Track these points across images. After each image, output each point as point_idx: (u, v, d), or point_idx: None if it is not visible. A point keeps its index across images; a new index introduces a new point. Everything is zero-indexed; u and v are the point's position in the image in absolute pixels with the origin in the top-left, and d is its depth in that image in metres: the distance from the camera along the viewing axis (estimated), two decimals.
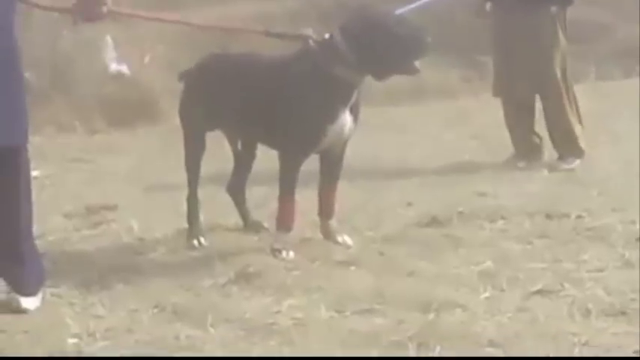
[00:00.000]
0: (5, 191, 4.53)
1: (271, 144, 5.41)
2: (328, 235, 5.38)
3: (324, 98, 5.10)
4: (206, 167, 5.62)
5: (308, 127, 5.13)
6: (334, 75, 5.07)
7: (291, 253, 5.11)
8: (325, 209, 5.42)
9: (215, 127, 5.56)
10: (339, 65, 5.07)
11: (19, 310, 4.49)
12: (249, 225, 5.69)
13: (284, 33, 5.51)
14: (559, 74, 7.12)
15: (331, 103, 5.11)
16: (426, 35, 5.14)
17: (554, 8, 7.08)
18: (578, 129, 7.19)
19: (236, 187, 5.74)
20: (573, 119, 7.18)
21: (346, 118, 5.16)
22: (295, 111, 5.15)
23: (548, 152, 7.31)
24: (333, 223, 5.42)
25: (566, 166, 7.03)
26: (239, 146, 5.72)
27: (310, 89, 5.14)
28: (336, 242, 5.32)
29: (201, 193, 5.61)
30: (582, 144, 7.16)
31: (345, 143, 5.34)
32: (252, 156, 5.72)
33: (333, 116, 5.09)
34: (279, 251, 5.12)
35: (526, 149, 7.22)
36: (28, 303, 4.56)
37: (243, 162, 5.72)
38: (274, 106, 5.22)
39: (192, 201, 5.53)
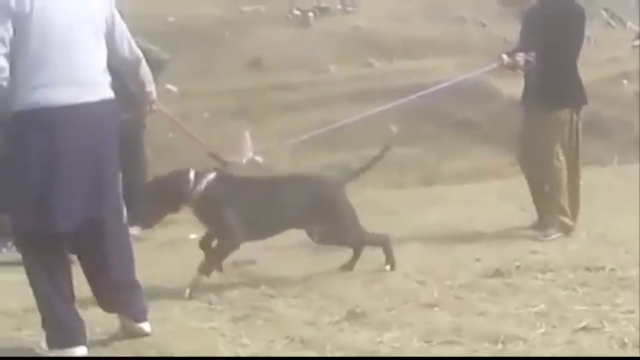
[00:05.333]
0: (121, 234, 4.42)
1: None
2: None
3: None
4: None
5: None
6: None
7: None
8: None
9: None
10: None
11: (145, 334, 4.42)
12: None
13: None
14: (559, 165, 6.56)
15: None
16: None
17: (567, 110, 6.59)
18: (567, 211, 6.63)
19: None
20: (565, 202, 6.63)
21: None
22: None
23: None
24: None
25: (544, 238, 6.47)
26: None
27: None
28: None
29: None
30: (568, 222, 6.61)
31: None
32: None
33: None
34: None
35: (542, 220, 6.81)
36: (147, 327, 4.46)
37: None
38: None
39: None
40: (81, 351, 4.21)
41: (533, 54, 6.42)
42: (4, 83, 3.88)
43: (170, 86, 12.45)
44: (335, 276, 5.68)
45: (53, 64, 3.96)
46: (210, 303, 5.13)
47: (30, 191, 3.99)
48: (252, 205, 5.41)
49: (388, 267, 5.68)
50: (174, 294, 5.28)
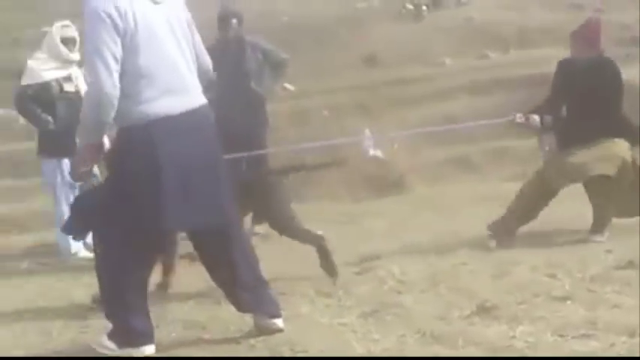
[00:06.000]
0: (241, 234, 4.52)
1: None
2: None
3: None
4: None
5: None
6: None
7: None
8: None
9: None
10: None
11: (279, 330, 4.45)
12: None
13: None
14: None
15: None
16: None
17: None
18: None
19: None
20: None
21: None
22: None
23: None
24: None
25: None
26: None
27: None
28: None
29: None
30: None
31: None
32: None
33: None
34: None
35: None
36: (280, 322, 4.49)
37: None
38: None
39: None
40: (150, 350, 4.29)
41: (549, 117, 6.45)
42: (115, 101, 3.95)
43: (287, 85, 12.54)
44: (461, 270, 5.64)
45: (160, 76, 4.05)
46: (339, 299, 5.15)
47: (163, 193, 4.04)
48: None
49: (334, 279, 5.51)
50: (303, 291, 5.32)
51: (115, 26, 3.93)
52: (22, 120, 8.56)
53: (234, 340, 4.50)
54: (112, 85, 3.92)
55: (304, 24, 14.20)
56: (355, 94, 12.16)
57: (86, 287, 5.70)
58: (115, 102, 3.94)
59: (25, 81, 7.42)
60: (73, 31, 7.23)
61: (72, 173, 4.62)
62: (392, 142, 10.61)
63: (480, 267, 5.64)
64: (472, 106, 11.21)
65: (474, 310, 4.67)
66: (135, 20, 3.97)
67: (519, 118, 6.58)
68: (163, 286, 5.55)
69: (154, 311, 4.75)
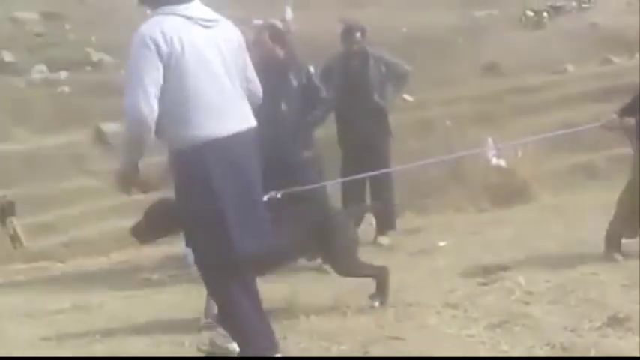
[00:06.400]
0: None
1: None
2: None
3: None
4: None
5: None
6: None
7: None
8: None
9: None
10: None
11: None
12: None
13: None
14: None
15: None
16: None
17: None
18: None
19: None
20: None
21: None
22: None
23: None
24: None
25: None
26: None
27: None
28: None
29: None
30: None
31: None
32: None
33: None
34: None
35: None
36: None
37: None
38: None
39: None
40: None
41: None
42: (152, 125, 3.97)
43: (406, 96, 12.55)
44: (590, 280, 5.51)
45: (209, 99, 4.06)
46: (465, 310, 5.11)
47: (221, 219, 4.06)
48: None
49: (377, 303, 5.29)
50: (429, 302, 5.31)
51: (159, 51, 3.96)
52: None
53: (363, 351, 4.51)
54: (149, 109, 3.94)
55: (423, 35, 14.18)
56: (476, 103, 12.07)
57: None
58: (152, 125, 3.96)
59: None
60: None
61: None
62: (515, 150, 10.48)
63: (610, 277, 5.50)
64: (596, 113, 10.95)
65: (605, 321, 4.56)
66: (182, 44, 4.00)
67: (612, 121, 6.24)
68: None
69: (282, 322, 4.83)
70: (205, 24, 4.14)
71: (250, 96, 4.38)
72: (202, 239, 4.16)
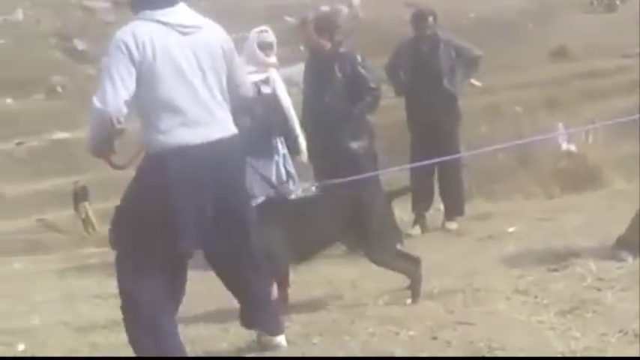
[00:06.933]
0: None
1: None
2: None
3: None
4: None
5: None
6: None
7: None
8: None
9: None
10: None
11: (279, 347, 4.50)
12: None
13: None
14: None
15: None
16: None
17: None
18: None
19: None
20: None
21: None
22: None
23: None
24: None
25: None
26: None
27: None
28: None
29: None
30: None
31: None
32: None
33: None
34: None
35: None
36: (283, 340, 4.53)
37: None
38: None
39: None
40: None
41: None
42: (116, 122, 3.95)
43: (474, 81, 12.43)
44: None
45: (181, 106, 4.06)
46: (535, 297, 5.04)
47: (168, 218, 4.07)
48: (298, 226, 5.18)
49: (409, 300, 5.18)
50: (498, 288, 5.26)
51: (132, 57, 3.97)
52: None
53: (431, 336, 4.49)
54: (114, 106, 3.93)
55: (491, 19, 14.04)
56: (545, 88, 11.91)
57: None
58: (115, 122, 3.95)
59: None
60: (270, 37, 7.40)
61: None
62: (586, 135, 10.32)
63: None
64: None
65: None
66: (154, 50, 4.00)
67: None
68: (283, 300, 5.46)
69: (350, 307, 4.83)
70: (183, 30, 4.11)
71: (240, 100, 4.45)
72: (136, 233, 4.13)
